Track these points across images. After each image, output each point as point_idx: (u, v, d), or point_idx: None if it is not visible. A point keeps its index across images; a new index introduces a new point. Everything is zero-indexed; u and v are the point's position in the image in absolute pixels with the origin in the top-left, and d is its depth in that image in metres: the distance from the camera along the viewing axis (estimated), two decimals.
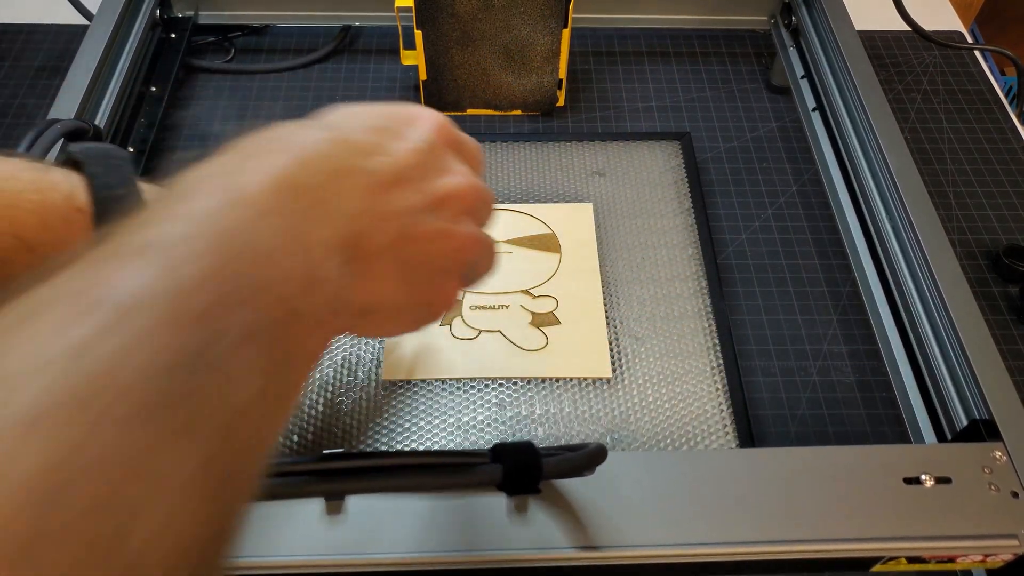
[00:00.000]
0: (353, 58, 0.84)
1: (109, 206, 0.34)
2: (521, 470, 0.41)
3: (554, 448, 0.43)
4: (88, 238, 0.30)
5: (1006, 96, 0.82)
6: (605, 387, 0.59)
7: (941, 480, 0.44)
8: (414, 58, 0.74)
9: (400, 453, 0.41)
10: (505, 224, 0.68)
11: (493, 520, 0.43)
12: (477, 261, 0.32)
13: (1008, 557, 0.44)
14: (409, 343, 0.61)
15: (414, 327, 0.31)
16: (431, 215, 0.28)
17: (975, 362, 0.51)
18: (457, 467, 0.41)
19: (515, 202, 0.71)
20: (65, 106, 0.63)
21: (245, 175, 0.22)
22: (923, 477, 0.44)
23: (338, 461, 0.39)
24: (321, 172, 0.24)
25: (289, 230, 0.22)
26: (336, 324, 0.26)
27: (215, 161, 0.23)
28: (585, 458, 0.43)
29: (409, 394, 0.58)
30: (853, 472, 0.45)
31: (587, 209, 0.69)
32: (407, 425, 0.57)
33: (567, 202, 0.71)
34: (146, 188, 0.35)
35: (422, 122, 0.30)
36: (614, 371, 0.60)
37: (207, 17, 0.82)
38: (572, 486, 0.44)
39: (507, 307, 0.63)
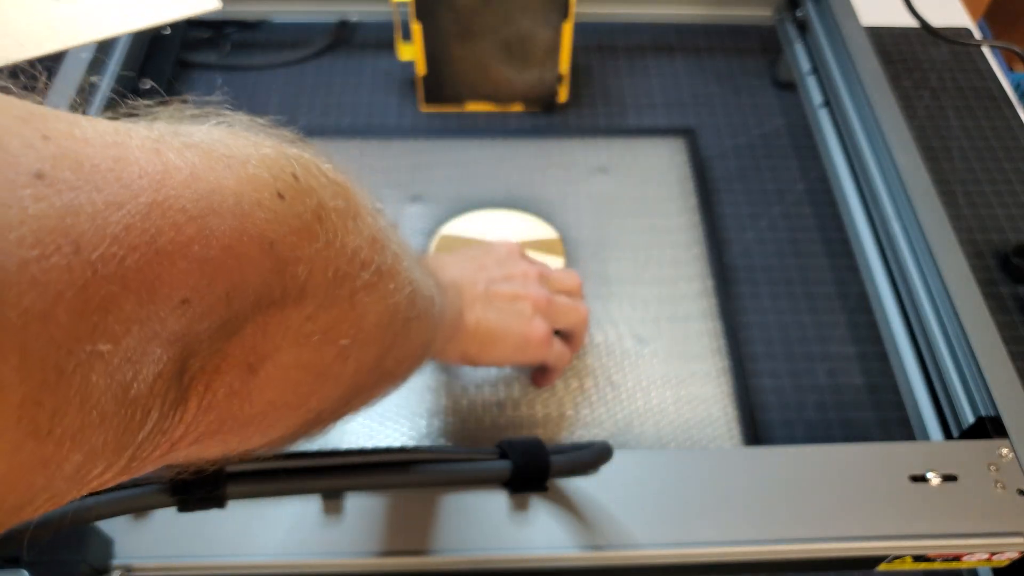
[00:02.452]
0: (350, 53, 0.83)
1: None
2: (530, 467, 0.40)
3: (559, 446, 0.43)
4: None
5: (1015, 93, 0.81)
6: (608, 390, 0.58)
7: (947, 478, 0.44)
8: (411, 52, 0.73)
9: (403, 449, 0.40)
10: (511, 227, 0.67)
11: (495, 519, 0.42)
12: (559, 315, 0.51)
13: (1014, 555, 0.43)
14: None
15: (517, 354, 0.50)
16: (506, 283, 0.50)
17: (981, 359, 0.50)
18: (465, 463, 0.40)
19: (517, 201, 0.70)
20: (56, 103, 0.63)
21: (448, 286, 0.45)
22: (929, 475, 0.44)
23: (337, 457, 0.39)
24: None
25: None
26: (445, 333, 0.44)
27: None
28: (592, 456, 0.42)
29: (410, 395, 0.57)
30: (858, 470, 0.44)
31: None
32: (406, 427, 0.56)
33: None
34: None
35: (498, 246, 0.53)
36: (617, 374, 0.59)
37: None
38: (575, 485, 0.43)
39: None
